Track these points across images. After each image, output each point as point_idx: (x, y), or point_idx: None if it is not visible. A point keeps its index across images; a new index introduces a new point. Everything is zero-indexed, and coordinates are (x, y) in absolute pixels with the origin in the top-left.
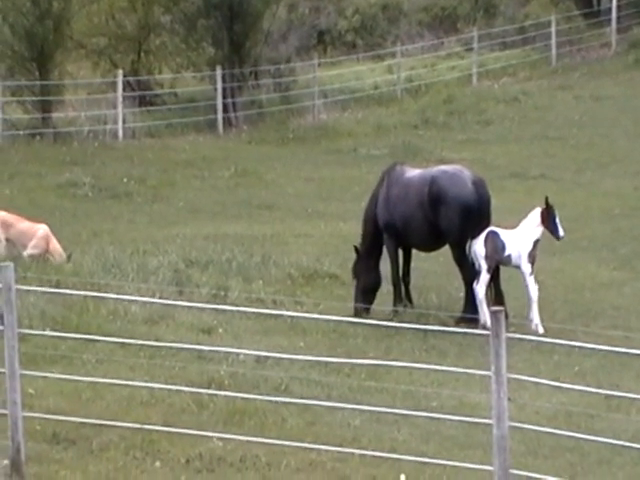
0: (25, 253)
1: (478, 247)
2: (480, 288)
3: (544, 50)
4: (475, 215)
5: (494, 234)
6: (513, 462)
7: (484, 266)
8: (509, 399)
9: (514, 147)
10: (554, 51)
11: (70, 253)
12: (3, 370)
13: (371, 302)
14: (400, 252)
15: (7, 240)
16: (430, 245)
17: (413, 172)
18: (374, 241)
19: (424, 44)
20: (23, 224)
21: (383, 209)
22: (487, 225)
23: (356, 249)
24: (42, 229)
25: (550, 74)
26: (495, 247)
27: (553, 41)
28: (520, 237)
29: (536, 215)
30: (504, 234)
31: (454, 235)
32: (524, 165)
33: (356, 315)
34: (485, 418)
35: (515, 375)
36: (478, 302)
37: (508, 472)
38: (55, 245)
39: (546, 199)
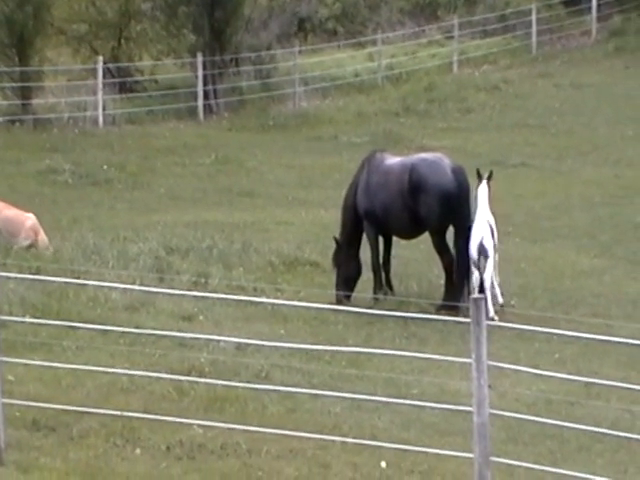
0: (17, 245)
1: (488, 239)
2: (491, 275)
3: (525, 38)
4: (454, 203)
5: (487, 222)
6: (493, 449)
7: (493, 253)
8: (489, 387)
9: (495, 135)
10: (534, 39)
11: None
12: None
13: (352, 290)
14: (380, 239)
15: None
16: (410, 232)
17: (393, 160)
18: (354, 229)
19: (405, 32)
20: (10, 211)
21: (363, 197)
22: (467, 213)
23: (336, 240)
24: (30, 219)
25: (531, 62)
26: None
27: (534, 29)
28: (491, 218)
29: (485, 190)
30: (490, 219)
31: (434, 223)
32: (505, 153)
33: (337, 303)
34: (465, 405)
35: (495, 362)
36: (489, 289)
37: (489, 459)
38: (43, 236)
39: (477, 170)
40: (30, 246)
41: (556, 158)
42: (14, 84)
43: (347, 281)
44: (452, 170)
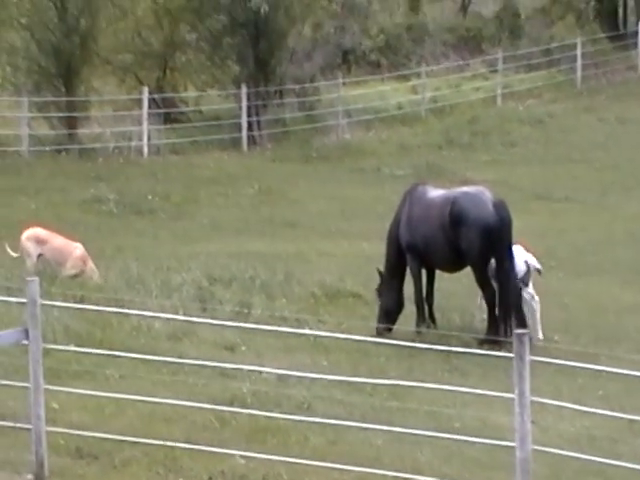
0: (63, 274)
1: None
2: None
3: (569, 72)
4: (495, 237)
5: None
6: None
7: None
8: (532, 422)
9: (538, 169)
10: (579, 73)
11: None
12: (28, 384)
13: (393, 323)
14: (423, 272)
15: (40, 256)
16: (452, 266)
17: (435, 192)
18: (397, 262)
19: (449, 65)
20: (58, 241)
21: (405, 229)
22: (509, 247)
23: (379, 272)
24: (79, 249)
25: (575, 96)
26: None
27: (578, 63)
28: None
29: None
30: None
31: (475, 257)
32: (548, 187)
33: (378, 336)
34: (508, 440)
35: (538, 398)
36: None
37: None
38: (91, 265)
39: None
40: (76, 276)
41: (600, 193)
42: (60, 114)
43: (388, 314)
44: (493, 204)
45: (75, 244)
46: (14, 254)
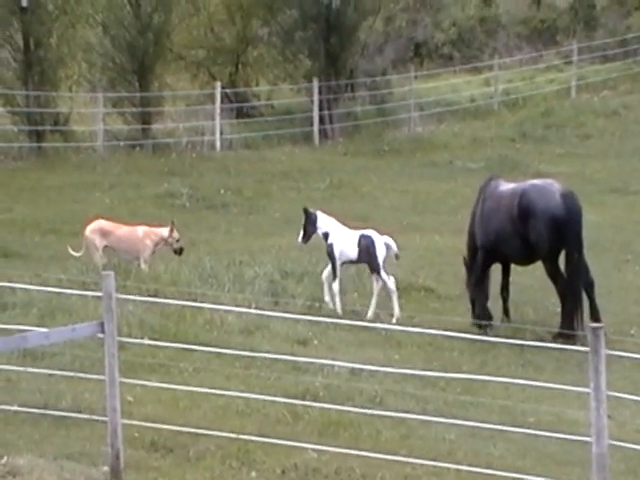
0: (144, 265)
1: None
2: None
3: None
4: (563, 228)
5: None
6: None
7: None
8: (609, 417)
9: (614, 161)
10: None
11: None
12: (103, 377)
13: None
14: (499, 267)
15: (106, 247)
16: (523, 259)
17: (506, 186)
18: (474, 256)
19: (522, 57)
20: (121, 230)
21: (479, 225)
22: (578, 238)
23: (465, 262)
24: (141, 230)
25: None
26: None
27: None
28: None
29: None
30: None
31: (543, 248)
32: (624, 180)
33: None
34: (583, 435)
35: (615, 392)
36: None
37: None
38: (162, 234)
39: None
40: (153, 254)
41: None
42: (134, 109)
43: (473, 305)
44: (561, 195)
45: (138, 228)
46: (76, 254)
